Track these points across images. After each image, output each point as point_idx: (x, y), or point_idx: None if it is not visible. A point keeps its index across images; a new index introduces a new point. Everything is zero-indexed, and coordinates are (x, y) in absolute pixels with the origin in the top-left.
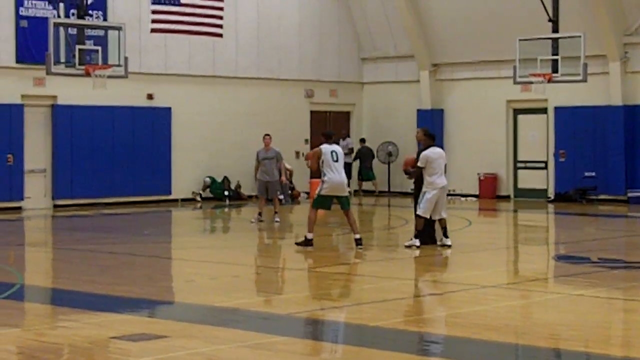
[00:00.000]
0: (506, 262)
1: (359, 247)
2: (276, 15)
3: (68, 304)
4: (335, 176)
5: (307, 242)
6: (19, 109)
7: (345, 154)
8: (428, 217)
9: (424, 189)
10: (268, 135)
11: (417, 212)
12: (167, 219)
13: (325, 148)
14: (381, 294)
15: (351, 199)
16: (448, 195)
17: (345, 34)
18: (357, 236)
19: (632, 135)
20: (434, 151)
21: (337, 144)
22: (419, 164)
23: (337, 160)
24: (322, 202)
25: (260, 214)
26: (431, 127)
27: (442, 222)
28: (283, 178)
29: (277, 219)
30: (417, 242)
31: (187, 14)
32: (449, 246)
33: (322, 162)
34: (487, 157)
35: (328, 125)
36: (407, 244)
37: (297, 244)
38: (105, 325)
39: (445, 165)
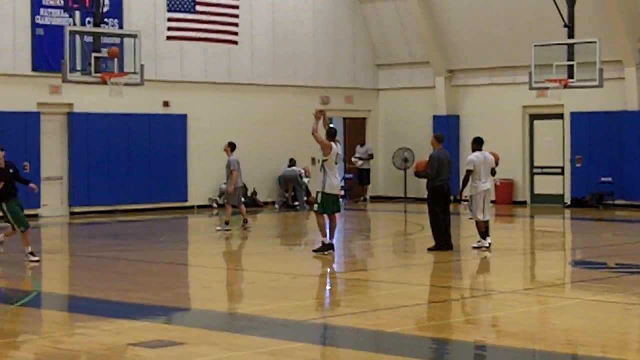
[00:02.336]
0: (523, 267)
1: (330, 252)
2: (291, 22)
3: (85, 311)
4: (334, 180)
5: (325, 247)
6: (35, 116)
7: (365, 159)
8: (480, 218)
9: (470, 192)
10: (228, 143)
11: (471, 217)
12: (184, 226)
13: (334, 149)
14: (398, 300)
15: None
16: (465, 200)
17: (360, 40)
18: (332, 241)
19: None
20: (478, 155)
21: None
22: (468, 167)
23: (337, 163)
24: (327, 200)
25: (245, 220)
26: (447, 133)
27: (486, 223)
28: (230, 188)
29: (219, 228)
30: (486, 243)
31: (202, 22)
32: (488, 245)
33: (326, 160)
34: (503, 163)
35: (344, 132)
36: (475, 245)
37: (314, 251)
38: (121, 332)
39: (493, 169)
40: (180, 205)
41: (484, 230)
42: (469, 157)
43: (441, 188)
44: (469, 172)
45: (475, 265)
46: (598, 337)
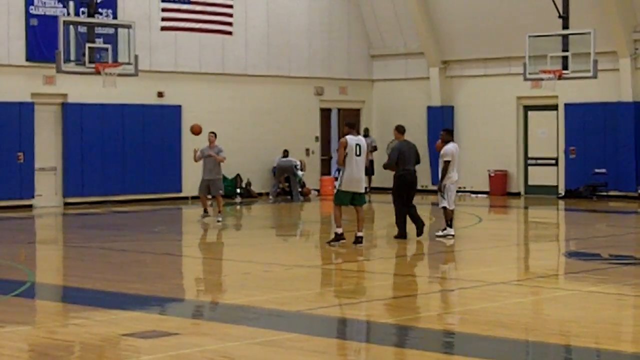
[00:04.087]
0: (516, 258)
1: (359, 245)
2: (286, 13)
3: (79, 302)
4: (355, 172)
5: (338, 238)
6: (29, 107)
7: (369, 151)
8: (452, 207)
9: (445, 182)
10: (212, 133)
11: (445, 205)
12: (178, 217)
13: (351, 140)
14: (392, 291)
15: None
16: (457, 192)
17: (355, 31)
18: (360, 234)
19: None
20: (453, 146)
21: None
22: (447, 158)
23: (359, 155)
24: (341, 197)
25: (205, 210)
26: (441, 124)
27: (452, 213)
28: (212, 153)
29: (219, 219)
30: (452, 232)
31: (197, 12)
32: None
33: (347, 155)
34: (497, 154)
35: (338, 123)
36: (440, 233)
37: (328, 242)
38: (116, 322)
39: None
40: (175, 196)
41: (451, 218)
42: (446, 149)
43: (404, 178)
44: (447, 162)
45: (469, 256)
46: (591, 328)
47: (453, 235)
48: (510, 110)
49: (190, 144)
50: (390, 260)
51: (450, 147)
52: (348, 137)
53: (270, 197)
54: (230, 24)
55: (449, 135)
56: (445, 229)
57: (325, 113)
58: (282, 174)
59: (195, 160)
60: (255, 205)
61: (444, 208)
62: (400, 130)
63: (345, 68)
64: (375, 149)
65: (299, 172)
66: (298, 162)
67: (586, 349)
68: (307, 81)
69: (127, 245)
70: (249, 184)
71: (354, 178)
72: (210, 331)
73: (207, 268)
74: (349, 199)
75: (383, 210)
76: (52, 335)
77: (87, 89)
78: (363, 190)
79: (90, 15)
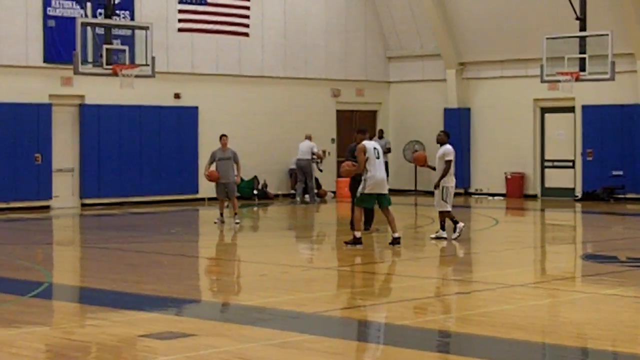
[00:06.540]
0: (533, 261)
1: (397, 245)
2: (302, 14)
3: (96, 303)
4: (378, 173)
5: (356, 241)
6: (47, 108)
7: (384, 153)
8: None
9: (446, 184)
10: (225, 135)
11: (449, 209)
12: (194, 218)
13: (368, 144)
14: (408, 293)
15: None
16: (474, 194)
17: (372, 32)
18: (396, 235)
19: None
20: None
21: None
22: (449, 157)
23: (378, 157)
24: (365, 200)
25: (222, 214)
26: (458, 126)
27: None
28: (237, 179)
29: (237, 220)
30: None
31: (213, 14)
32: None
33: (368, 160)
34: (514, 156)
35: (354, 125)
36: (454, 237)
37: (346, 242)
38: (132, 323)
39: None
40: (191, 197)
41: (452, 220)
42: (447, 148)
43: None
44: (449, 162)
45: (485, 259)
46: (608, 330)
47: (445, 238)
48: (527, 112)
49: (207, 147)
50: (406, 262)
51: (450, 148)
52: (365, 142)
53: (297, 198)
54: (247, 25)
55: (446, 136)
56: (460, 231)
57: (344, 114)
58: (301, 173)
59: (214, 179)
60: (271, 207)
61: (447, 212)
62: (361, 132)
63: (361, 70)
64: (389, 150)
65: (316, 166)
66: (315, 156)
67: (603, 352)
68: (324, 83)
69: (144, 246)
70: (265, 185)
71: (378, 180)
72: (226, 332)
73: (223, 269)
74: (373, 202)
75: (398, 212)
76: (69, 336)
77: (105, 90)
78: (387, 191)
79: (107, 16)
